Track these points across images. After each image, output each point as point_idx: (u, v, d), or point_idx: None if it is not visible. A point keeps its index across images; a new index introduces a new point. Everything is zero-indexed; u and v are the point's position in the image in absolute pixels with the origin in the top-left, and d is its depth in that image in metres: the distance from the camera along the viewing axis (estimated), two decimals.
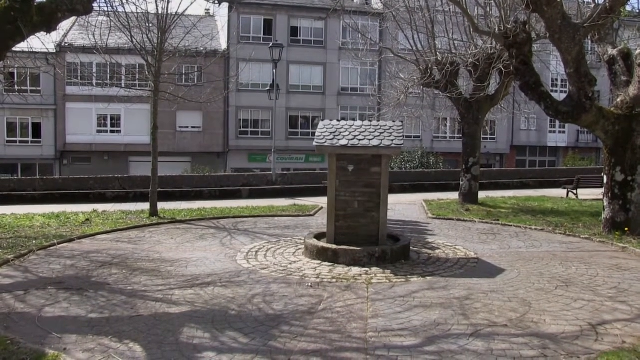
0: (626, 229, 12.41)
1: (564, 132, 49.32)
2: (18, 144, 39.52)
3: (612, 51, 13.54)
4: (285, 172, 27.92)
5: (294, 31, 42.46)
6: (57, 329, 6.30)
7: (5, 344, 5.62)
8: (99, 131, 40.16)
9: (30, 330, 6.26)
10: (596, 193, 19.48)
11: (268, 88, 28.48)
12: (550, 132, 49.26)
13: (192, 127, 41.06)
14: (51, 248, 11.00)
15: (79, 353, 5.65)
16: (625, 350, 5.76)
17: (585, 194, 21.75)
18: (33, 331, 6.23)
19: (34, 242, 11.39)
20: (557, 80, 43.83)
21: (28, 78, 29.82)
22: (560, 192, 22.96)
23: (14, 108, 35.04)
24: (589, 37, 13.94)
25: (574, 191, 22.21)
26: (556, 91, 41.60)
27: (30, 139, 39.71)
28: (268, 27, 41.69)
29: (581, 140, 49.43)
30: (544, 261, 10.07)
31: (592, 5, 12.37)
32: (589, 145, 49.19)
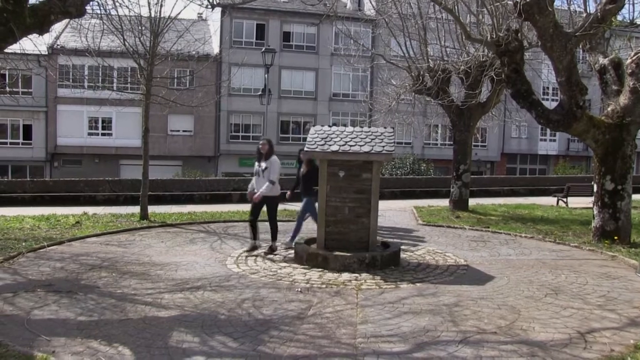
0: (616, 237, 12.47)
1: (554, 140, 49.60)
2: (8, 145, 39.34)
3: (603, 60, 13.63)
4: None
5: (287, 36, 42.54)
6: (46, 331, 6.26)
7: None
8: (90, 134, 40.07)
9: (18, 332, 6.22)
10: (586, 201, 19.57)
11: (260, 93, 28.49)
12: (541, 140, 49.52)
13: (184, 131, 41.03)
14: (41, 250, 10.94)
15: (68, 356, 5.62)
16: (613, 358, 5.79)
17: (575, 202, 21.83)
18: (21, 334, 6.19)
19: (23, 244, 11.33)
20: (548, 88, 44.07)
21: (19, 80, 29.73)
22: (551, 200, 23.04)
23: (5, 109, 34.63)
24: (581, 46, 14.01)
25: (564, 199, 22.29)
26: (547, 99, 41.80)
27: (21, 140, 39.55)
28: (260, 31, 41.75)
29: (572, 149, 49.72)
30: (534, 269, 10.11)
31: (584, 15, 12.44)
32: (580, 154, 49.47)
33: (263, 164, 10.99)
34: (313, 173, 11.58)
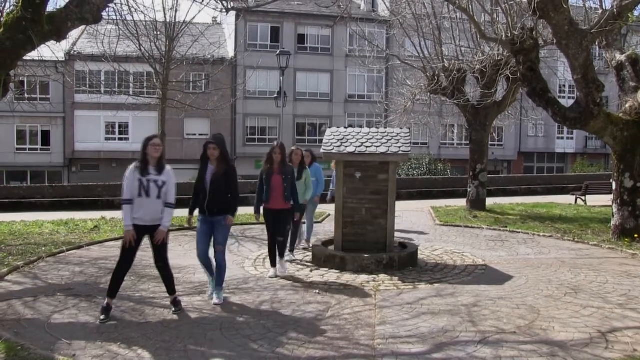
0: (636, 235, 12.34)
1: (572, 138, 49.16)
2: (27, 151, 39.83)
3: (620, 57, 13.51)
4: None
5: (301, 39, 42.60)
6: (66, 335, 6.31)
7: (16, 350, 5.64)
8: (107, 139, 40.41)
9: (39, 336, 6.28)
10: (605, 199, 19.39)
11: (275, 95, 28.55)
12: (558, 138, 49.10)
13: (200, 135, 41.14)
14: (60, 255, 11.04)
15: (88, 359, 5.67)
16: (636, 358, 5.71)
17: (594, 200, 21.66)
18: (42, 337, 6.24)
19: (43, 249, 11.42)
20: (564, 86, 43.68)
21: (38, 86, 30.01)
22: (569, 199, 22.87)
23: (24, 116, 35.21)
24: (597, 43, 13.92)
25: (583, 197, 22.13)
26: (564, 97, 41.49)
27: (39, 146, 40.01)
28: (275, 34, 41.85)
29: (589, 147, 49.24)
30: (553, 268, 10.03)
31: (600, 11, 12.35)
32: (598, 152, 48.97)
33: (160, 178, 7.17)
34: (230, 176, 7.80)
